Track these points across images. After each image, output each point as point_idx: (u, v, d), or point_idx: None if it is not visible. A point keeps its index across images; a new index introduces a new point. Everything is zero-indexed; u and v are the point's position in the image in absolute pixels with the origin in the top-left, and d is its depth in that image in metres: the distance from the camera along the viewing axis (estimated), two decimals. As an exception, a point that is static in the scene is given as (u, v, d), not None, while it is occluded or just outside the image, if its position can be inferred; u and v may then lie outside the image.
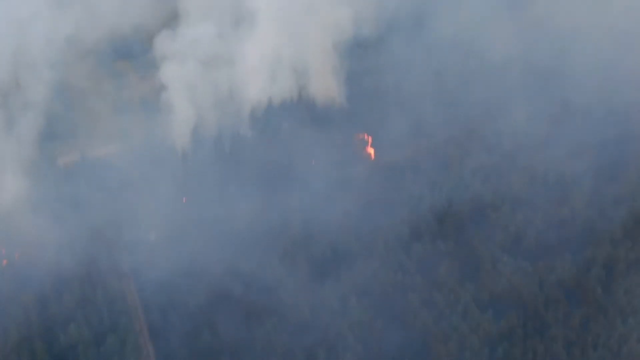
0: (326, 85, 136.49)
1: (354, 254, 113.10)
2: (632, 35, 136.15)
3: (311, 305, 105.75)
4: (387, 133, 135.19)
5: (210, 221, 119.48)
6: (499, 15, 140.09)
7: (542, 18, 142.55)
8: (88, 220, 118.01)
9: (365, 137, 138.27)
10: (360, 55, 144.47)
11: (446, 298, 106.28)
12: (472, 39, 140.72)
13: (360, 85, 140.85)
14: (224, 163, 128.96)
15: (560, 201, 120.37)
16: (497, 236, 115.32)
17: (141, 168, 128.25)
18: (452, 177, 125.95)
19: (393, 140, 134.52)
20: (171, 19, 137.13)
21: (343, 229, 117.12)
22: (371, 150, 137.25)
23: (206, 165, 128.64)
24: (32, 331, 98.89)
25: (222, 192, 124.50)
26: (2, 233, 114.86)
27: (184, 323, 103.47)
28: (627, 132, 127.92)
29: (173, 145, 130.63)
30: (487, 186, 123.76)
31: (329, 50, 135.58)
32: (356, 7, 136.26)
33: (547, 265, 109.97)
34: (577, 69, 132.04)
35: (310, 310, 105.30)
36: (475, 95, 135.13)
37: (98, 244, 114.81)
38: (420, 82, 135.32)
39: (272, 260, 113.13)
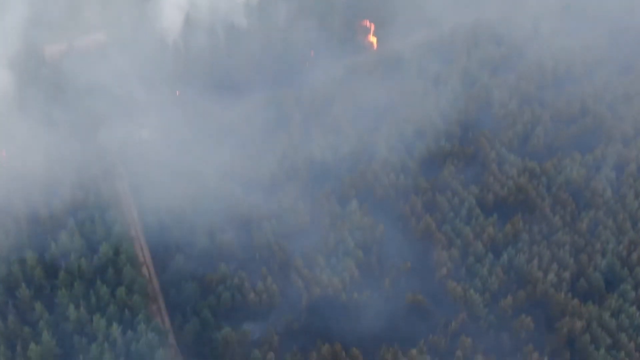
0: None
1: (355, 154, 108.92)
2: None
3: (310, 209, 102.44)
4: (391, 20, 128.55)
5: (205, 117, 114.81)
6: None
7: None
8: (76, 116, 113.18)
9: (368, 24, 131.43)
10: None
11: (450, 201, 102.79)
12: None
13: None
14: (218, 55, 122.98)
15: (570, 97, 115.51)
16: (504, 134, 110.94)
17: (131, 60, 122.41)
18: (458, 70, 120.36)
19: (397, 28, 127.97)
20: None
21: (343, 126, 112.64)
22: (374, 40, 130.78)
23: (199, 57, 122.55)
24: (21, 240, 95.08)
25: (217, 85, 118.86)
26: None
27: (182, 228, 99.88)
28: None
29: (164, 35, 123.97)
30: (494, 80, 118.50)
31: None
32: None
33: (555, 165, 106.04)
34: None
35: (309, 214, 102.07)
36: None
37: (88, 142, 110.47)
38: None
39: (271, 160, 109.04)
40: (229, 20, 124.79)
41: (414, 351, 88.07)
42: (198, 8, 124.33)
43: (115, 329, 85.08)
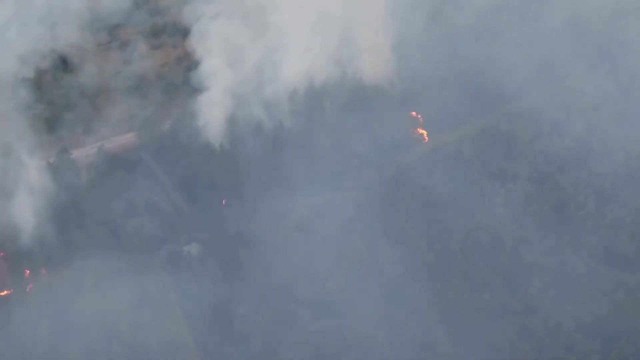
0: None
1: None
2: None
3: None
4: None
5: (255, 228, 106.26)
6: None
7: None
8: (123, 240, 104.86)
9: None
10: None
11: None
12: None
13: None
14: (265, 156, 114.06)
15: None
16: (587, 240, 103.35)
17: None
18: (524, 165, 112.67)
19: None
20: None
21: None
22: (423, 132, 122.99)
23: (246, 160, 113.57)
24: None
25: (266, 190, 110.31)
26: None
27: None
28: None
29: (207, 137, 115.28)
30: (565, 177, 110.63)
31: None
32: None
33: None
34: None
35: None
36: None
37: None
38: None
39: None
40: (275, 119, 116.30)
41: None
42: (242, 107, 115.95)
43: None
